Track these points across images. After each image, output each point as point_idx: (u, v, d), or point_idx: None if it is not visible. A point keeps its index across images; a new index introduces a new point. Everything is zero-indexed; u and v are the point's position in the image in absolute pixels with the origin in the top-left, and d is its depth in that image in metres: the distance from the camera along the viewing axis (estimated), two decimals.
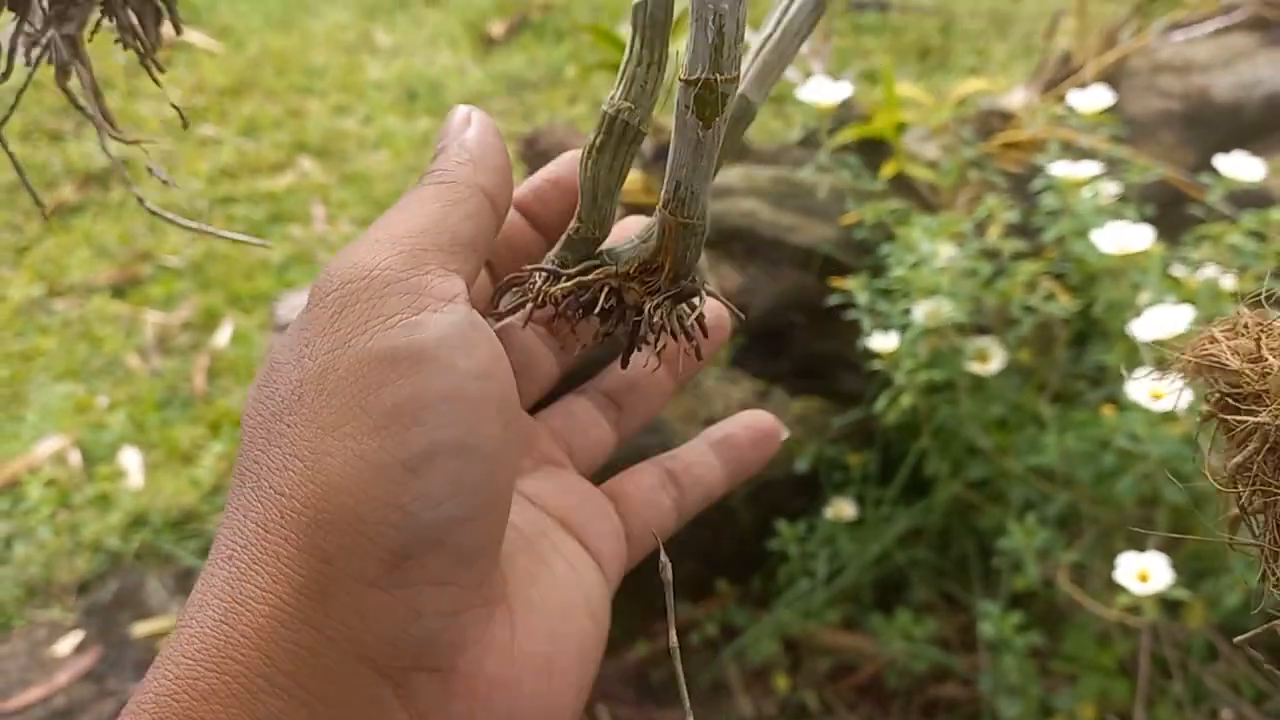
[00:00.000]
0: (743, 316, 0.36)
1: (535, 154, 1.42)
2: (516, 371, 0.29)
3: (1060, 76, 1.49)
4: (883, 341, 1.06)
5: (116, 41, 0.29)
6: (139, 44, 0.27)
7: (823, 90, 1.16)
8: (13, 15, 0.27)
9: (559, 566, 0.29)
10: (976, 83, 1.47)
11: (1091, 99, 1.30)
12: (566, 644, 0.27)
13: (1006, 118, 1.49)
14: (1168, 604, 1.06)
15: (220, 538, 0.24)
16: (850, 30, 2.80)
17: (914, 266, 1.17)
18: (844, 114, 1.38)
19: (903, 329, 1.19)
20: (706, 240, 0.32)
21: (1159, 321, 1.03)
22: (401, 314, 0.24)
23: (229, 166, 2.27)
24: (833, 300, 1.20)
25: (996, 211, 1.22)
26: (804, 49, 1.78)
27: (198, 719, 0.22)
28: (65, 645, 1.38)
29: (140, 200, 0.34)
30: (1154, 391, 0.97)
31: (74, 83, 0.28)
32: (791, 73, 1.81)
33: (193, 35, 2.72)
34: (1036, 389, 1.19)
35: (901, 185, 1.41)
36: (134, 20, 0.26)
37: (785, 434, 0.36)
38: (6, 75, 0.27)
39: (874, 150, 1.43)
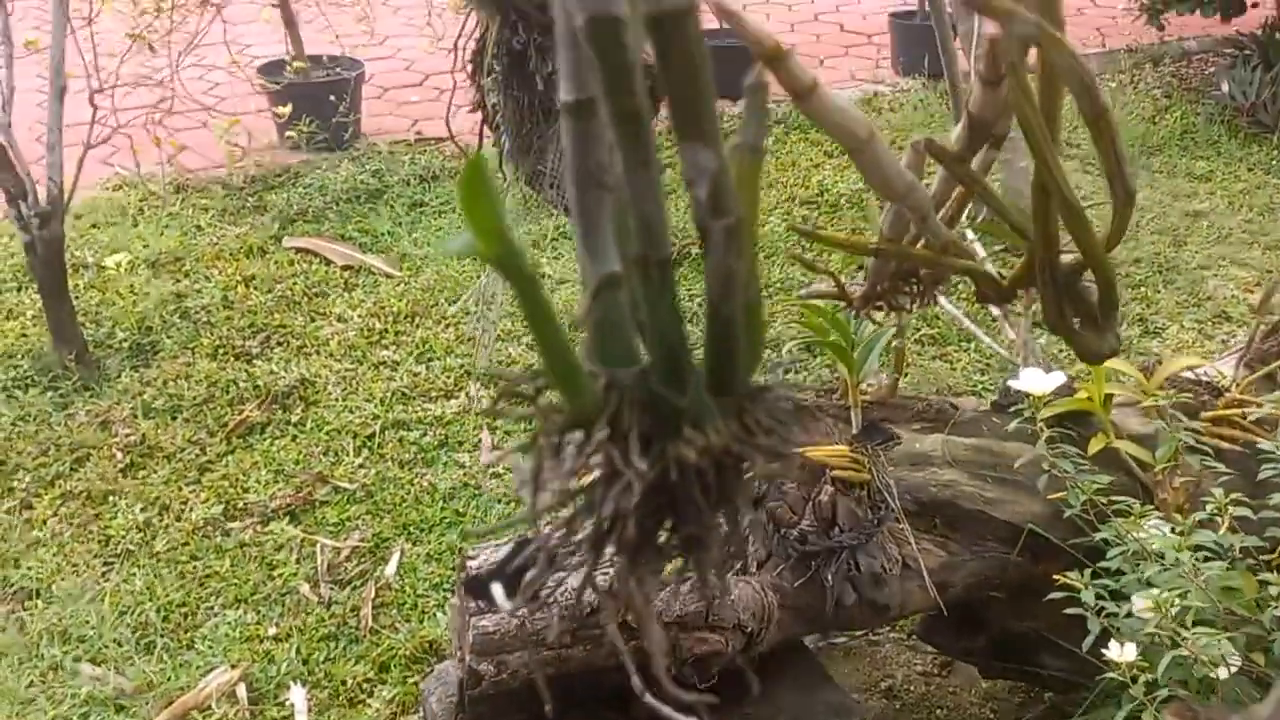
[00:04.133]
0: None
1: None
2: None
3: (1272, 350, 1.44)
4: (1120, 652, 0.98)
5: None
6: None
7: (1038, 381, 1.17)
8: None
9: None
10: (1186, 359, 1.43)
11: None
12: None
13: (1216, 391, 1.43)
14: None
15: None
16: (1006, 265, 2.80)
17: (1136, 563, 1.11)
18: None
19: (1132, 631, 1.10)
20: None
21: None
22: None
23: (403, 390, 2.34)
24: (1054, 595, 1.13)
25: (1223, 505, 1.16)
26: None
27: None
28: None
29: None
30: None
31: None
32: (966, 321, 1.82)
33: (372, 260, 2.89)
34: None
35: (1109, 459, 1.36)
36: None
37: None
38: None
39: (1074, 418, 1.39)
